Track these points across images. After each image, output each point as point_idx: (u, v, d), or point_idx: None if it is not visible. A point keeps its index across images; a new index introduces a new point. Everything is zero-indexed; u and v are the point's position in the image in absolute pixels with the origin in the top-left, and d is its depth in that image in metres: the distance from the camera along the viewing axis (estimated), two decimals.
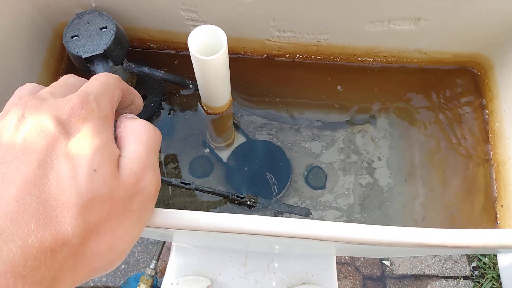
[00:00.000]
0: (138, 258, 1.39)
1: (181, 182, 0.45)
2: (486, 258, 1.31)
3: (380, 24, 0.49)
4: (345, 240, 0.32)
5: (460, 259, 1.37)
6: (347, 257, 1.37)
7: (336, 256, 1.23)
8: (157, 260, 1.23)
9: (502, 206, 0.51)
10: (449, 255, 1.37)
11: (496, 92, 0.53)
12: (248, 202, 0.49)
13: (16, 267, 0.20)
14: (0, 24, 0.45)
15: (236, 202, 0.50)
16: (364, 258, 1.28)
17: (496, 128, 0.53)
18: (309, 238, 0.32)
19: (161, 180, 0.45)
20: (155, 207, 0.31)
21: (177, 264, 0.76)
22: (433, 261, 1.32)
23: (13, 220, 0.21)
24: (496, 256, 1.30)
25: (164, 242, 1.30)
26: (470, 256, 1.37)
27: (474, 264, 1.32)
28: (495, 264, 1.27)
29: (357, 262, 1.32)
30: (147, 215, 0.30)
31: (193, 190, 0.47)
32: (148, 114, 0.55)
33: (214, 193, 0.48)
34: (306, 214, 0.53)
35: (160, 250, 1.28)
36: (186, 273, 0.74)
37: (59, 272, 0.22)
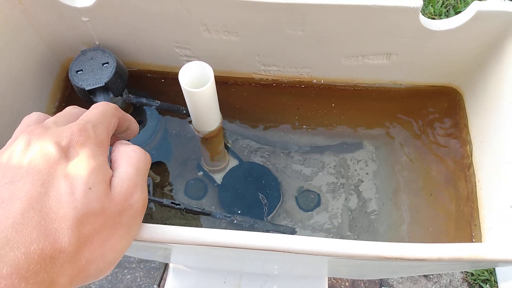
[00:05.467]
0: (141, 283, 1.41)
1: (171, 203, 0.49)
2: (488, 285, 1.32)
3: (355, 59, 0.54)
4: (312, 252, 0.36)
5: (460, 286, 1.37)
6: (347, 283, 1.38)
7: (336, 283, 1.24)
8: (159, 285, 1.26)
9: (475, 225, 0.54)
10: (449, 281, 1.37)
11: (467, 120, 0.57)
12: (235, 221, 0.53)
13: (20, 270, 0.24)
14: (14, 60, 0.51)
15: (223, 221, 0.54)
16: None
17: (468, 152, 0.57)
18: (278, 251, 0.35)
19: (153, 200, 0.49)
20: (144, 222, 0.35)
21: (174, 285, 0.79)
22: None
23: (18, 231, 0.25)
24: (497, 283, 1.30)
25: (166, 267, 1.33)
26: (471, 283, 1.37)
27: None
28: None
29: None
30: (135, 228, 0.34)
31: (183, 210, 0.51)
32: (144, 138, 0.59)
33: (202, 213, 0.51)
34: (291, 233, 0.56)
35: (162, 275, 1.30)
36: None
37: (57, 276, 0.26)
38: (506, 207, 0.47)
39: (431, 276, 1.34)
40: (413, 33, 0.49)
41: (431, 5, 1.52)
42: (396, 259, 0.36)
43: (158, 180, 0.58)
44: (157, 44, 0.55)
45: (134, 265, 1.35)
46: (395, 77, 0.58)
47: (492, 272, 1.30)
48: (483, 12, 0.46)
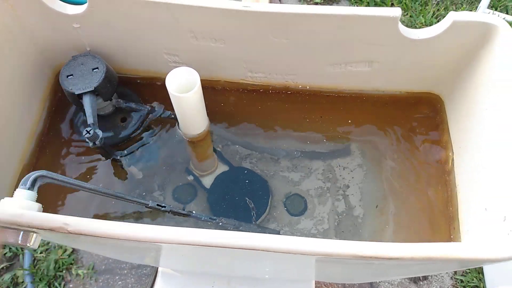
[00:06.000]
0: None
1: (157, 205, 0.50)
2: None
3: (338, 66, 0.56)
4: (291, 251, 0.37)
5: None
6: None
7: None
8: None
9: (454, 228, 0.55)
10: None
11: (447, 125, 0.59)
12: (220, 224, 0.54)
13: None
14: (5, 64, 0.52)
15: (209, 223, 0.55)
16: None
17: (448, 158, 0.58)
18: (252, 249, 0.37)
19: (139, 202, 0.50)
20: None
21: None
22: None
23: None
24: None
25: (156, 274, 1.33)
26: None
27: None
28: None
29: None
30: None
31: (168, 212, 0.52)
32: (124, 137, 0.60)
33: (188, 215, 0.53)
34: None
35: (153, 281, 1.30)
36: None
37: None
38: (482, 210, 0.48)
39: (420, 282, 1.34)
40: (393, 42, 0.51)
41: (422, 16, 1.54)
42: (371, 258, 0.37)
43: (140, 177, 0.59)
44: (146, 51, 0.56)
45: (125, 272, 1.35)
46: (377, 84, 0.60)
47: (481, 279, 1.31)
48: (458, 22, 0.48)
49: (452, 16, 0.48)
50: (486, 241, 0.45)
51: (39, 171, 0.44)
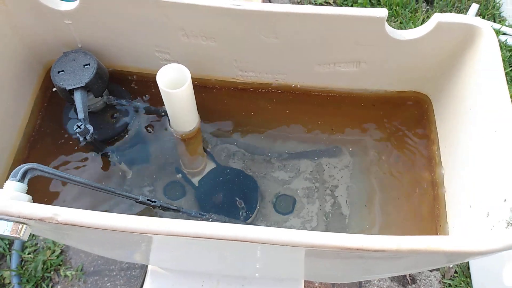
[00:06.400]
0: None
1: (147, 199, 0.51)
2: None
3: (327, 66, 0.57)
4: (282, 242, 0.38)
5: None
6: None
7: None
8: None
9: (440, 225, 0.56)
10: None
11: (434, 125, 0.60)
12: (210, 220, 0.54)
13: None
14: None
15: (199, 219, 0.55)
16: None
17: (435, 156, 0.60)
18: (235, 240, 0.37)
19: (129, 197, 0.50)
20: None
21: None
22: None
23: None
24: None
25: (145, 275, 1.32)
26: None
27: None
28: None
29: None
30: None
31: (159, 208, 0.52)
32: (115, 133, 0.60)
33: (178, 210, 0.53)
34: None
35: (142, 283, 1.29)
36: None
37: None
38: (467, 207, 0.50)
39: (409, 286, 1.35)
40: (380, 42, 0.52)
41: (412, 22, 1.57)
42: (357, 249, 0.38)
43: (130, 174, 0.59)
44: (138, 48, 0.57)
45: (114, 273, 1.34)
46: (365, 85, 0.61)
47: (468, 283, 1.32)
48: (443, 23, 0.50)
49: (437, 18, 0.50)
50: (470, 235, 0.46)
51: (29, 163, 0.44)
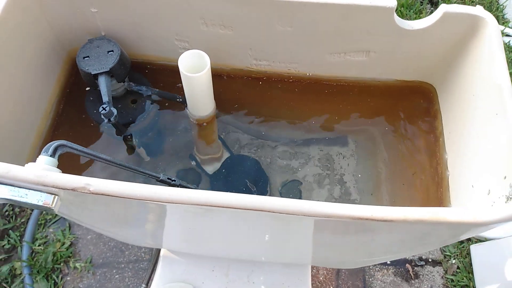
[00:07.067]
0: (129, 283, 1.42)
1: (168, 178, 0.54)
2: None
3: (337, 55, 0.60)
4: (296, 212, 0.40)
5: None
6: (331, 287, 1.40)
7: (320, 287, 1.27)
8: (147, 284, 1.28)
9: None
10: (430, 287, 1.41)
11: (439, 113, 0.63)
12: None
13: None
14: (28, 47, 0.56)
15: None
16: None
17: (440, 142, 0.62)
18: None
19: (150, 175, 0.53)
20: None
21: (164, 272, 0.82)
22: None
23: None
24: None
25: (153, 268, 1.35)
26: None
27: None
28: None
29: None
30: None
31: (177, 186, 0.55)
32: (135, 118, 0.63)
33: (194, 189, 0.56)
34: None
35: (150, 275, 1.32)
36: (171, 281, 0.80)
37: None
38: (469, 187, 0.52)
39: (412, 281, 1.37)
40: (388, 32, 0.55)
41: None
42: (367, 219, 0.41)
43: (147, 160, 0.62)
44: (158, 36, 0.60)
45: (123, 265, 1.37)
46: (374, 74, 0.64)
47: (471, 278, 1.34)
48: (449, 13, 0.53)
49: (443, 8, 0.53)
50: (473, 208, 0.49)
51: (60, 140, 0.47)
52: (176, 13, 0.55)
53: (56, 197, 0.44)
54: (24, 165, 0.57)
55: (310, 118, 0.68)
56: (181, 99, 0.63)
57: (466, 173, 0.54)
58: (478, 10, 0.53)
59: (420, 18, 1.63)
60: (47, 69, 0.61)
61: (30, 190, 0.43)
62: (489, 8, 1.68)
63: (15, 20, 0.52)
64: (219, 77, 0.67)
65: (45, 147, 0.47)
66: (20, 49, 0.54)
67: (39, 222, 1.28)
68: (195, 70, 0.54)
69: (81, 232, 1.30)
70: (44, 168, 0.45)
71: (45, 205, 0.43)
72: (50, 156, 0.46)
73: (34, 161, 0.57)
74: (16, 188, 0.43)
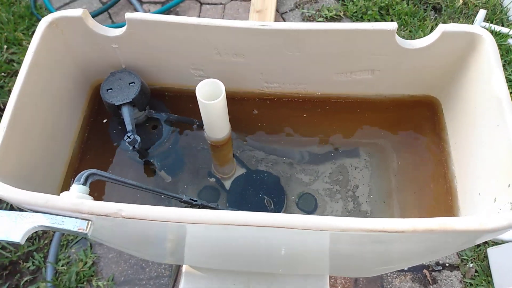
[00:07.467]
0: None
1: (190, 199, 0.57)
2: None
3: (344, 75, 0.64)
4: (311, 227, 0.43)
5: None
6: None
7: None
8: None
9: (453, 215, 0.61)
10: None
11: (444, 124, 0.66)
12: None
13: None
14: (54, 81, 0.60)
15: None
16: None
17: (446, 153, 0.65)
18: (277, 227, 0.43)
19: (173, 197, 0.57)
20: None
21: (188, 287, 0.85)
22: None
23: None
24: None
25: (174, 284, 1.38)
26: None
27: None
28: None
29: None
30: None
31: (199, 206, 0.58)
32: (155, 142, 0.67)
33: (215, 209, 0.59)
34: None
35: None
36: None
37: None
38: (476, 195, 0.55)
39: (430, 287, 1.38)
40: (391, 52, 0.59)
41: (421, 30, 1.63)
42: (380, 231, 0.44)
43: (169, 180, 0.66)
44: (175, 67, 0.64)
45: (144, 282, 1.40)
46: (379, 90, 0.67)
47: (490, 281, 1.35)
48: (447, 32, 0.56)
49: (442, 28, 0.56)
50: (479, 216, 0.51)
51: (90, 169, 0.51)
52: (192, 46, 0.59)
53: (90, 222, 0.47)
54: (56, 192, 0.61)
55: (321, 133, 0.71)
56: (198, 123, 0.67)
57: (472, 182, 0.57)
58: (475, 28, 0.56)
59: (424, 25, 1.65)
60: (72, 101, 0.65)
61: (65, 217, 0.47)
62: (492, 11, 1.70)
63: (45, 61, 0.56)
64: (233, 99, 0.71)
65: (77, 176, 0.51)
66: (48, 84, 0.58)
67: (61, 243, 1.32)
68: (211, 97, 0.58)
69: (102, 251, 1.33)
70: (77, 196, 0.49)
71: (80, 231, 0.47)
72: (82, 184, 0.50)
73: (65, 187, 0.61)
74: (53, 216, 0.47)
